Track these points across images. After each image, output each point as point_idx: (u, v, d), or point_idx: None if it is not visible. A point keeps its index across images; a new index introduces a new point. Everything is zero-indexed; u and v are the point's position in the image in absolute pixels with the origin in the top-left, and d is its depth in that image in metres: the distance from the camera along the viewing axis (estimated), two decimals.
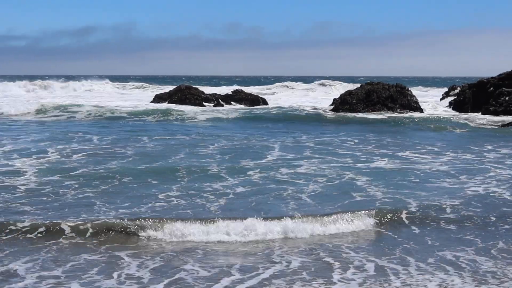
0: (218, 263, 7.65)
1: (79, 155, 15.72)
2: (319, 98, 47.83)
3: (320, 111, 32.20)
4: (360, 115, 30.97)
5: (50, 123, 25.37)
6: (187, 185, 12.05)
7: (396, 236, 9.05)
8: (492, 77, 32.93)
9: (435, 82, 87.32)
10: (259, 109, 34.00)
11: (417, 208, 10.40)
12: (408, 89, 36.43)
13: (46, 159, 14.90)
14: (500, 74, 32.56)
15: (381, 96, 36.16)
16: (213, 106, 38.34)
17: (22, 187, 11.51)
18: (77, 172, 13.08)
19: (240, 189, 11.76)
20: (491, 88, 32.43)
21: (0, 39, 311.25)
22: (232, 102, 40.93)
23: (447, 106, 35.41)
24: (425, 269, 7.55)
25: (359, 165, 14.80)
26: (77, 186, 11.71)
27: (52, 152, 15.93)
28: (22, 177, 12.39)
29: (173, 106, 35.64)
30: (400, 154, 16.92)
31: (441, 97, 37.62)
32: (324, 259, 7.86)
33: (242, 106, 38.76)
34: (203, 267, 7.46)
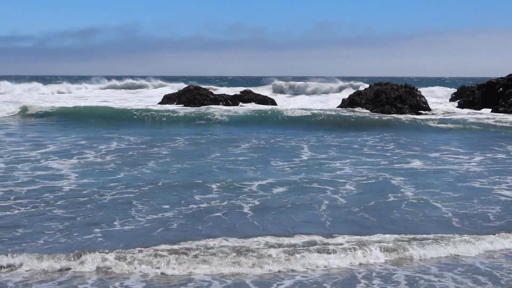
0: None
1: (117, 155, 15.93)
2: (324, 99, 48.11)
3: (332, 112, 32.38)
4: (372, 115, 31.09)
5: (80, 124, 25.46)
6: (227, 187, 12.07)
7: None
8: (501, 78, 33.30)
9: (437, 82, 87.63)
10: (273, 110, 34.02)
11: None
12: (417, 89, 36.67)
13: (84, 160, 15.06)
14: (510, 75, 32.93)
15: (390, 97, 36.41)
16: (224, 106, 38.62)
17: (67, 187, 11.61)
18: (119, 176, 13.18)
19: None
20: (501, 89, 32.81)
21: (5, 40, 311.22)
22: (240, 103, 41.13)
23: (456, 107, 35.73)
24: None
25: (397, 165, 15.01)
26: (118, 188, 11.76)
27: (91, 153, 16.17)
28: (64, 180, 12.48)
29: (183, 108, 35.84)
30: (431, 155, 17.14)
31: (450, 97, 37.97)
32: None
33: (251, 107, 38.93)
34: None
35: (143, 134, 21.35)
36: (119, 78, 74.24)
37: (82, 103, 35.55)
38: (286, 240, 8.38)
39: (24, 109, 28.90)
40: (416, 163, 15.35)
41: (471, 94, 34.88)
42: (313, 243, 8.28)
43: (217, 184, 12.17)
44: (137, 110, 29.60)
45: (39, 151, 16.36)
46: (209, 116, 28.27)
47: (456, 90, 37.65)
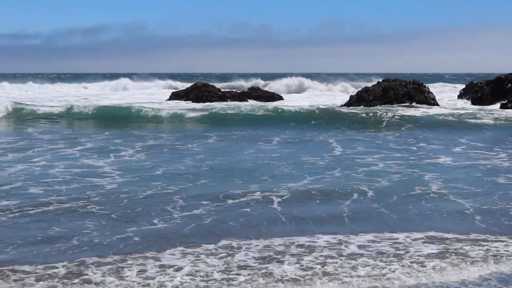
0: None
1: (153, 152, 16.31)
2: (331, 95, 48.54)
3: (345, 108, 32.75)
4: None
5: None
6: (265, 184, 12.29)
7: None
8: (510, 74, 33.79)
9: (441, 79, 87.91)
10: (285, 106, 34.26)
11: None
12: (425, 85, 37.11)
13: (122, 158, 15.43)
14: None
15: (398, 93, 36.83)
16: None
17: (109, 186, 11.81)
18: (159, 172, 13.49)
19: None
20: (509, 85, 33.30)
21: (14, 38, 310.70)
22: (248, 99, 41.47)
23: (465, 103, 36.20)
24: None
25: (427, 160, 15.44)
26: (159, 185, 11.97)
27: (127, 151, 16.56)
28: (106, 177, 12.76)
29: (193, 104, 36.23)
30: (457, 149, 17.60)
31: (458, 94, 38.44)
32: None
33: (261, 103, 39.23)
34: None
35: (172, 132, 21.81)
36: (129, 75, 74.79)
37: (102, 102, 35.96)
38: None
39: (69, 109, 28.61)
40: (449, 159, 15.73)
41: (480, 90, 35.32)
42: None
43: (256, 180, 12.47)
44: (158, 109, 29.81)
45: (75, 149, 16.71)
46: (230, 112, 28.49)
47: (464, 86, 38.08)
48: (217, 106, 32.16)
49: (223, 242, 8.18)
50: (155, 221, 9.25)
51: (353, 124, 24.52)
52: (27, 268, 7.08)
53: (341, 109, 31.83)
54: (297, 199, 10.80)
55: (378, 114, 26.05)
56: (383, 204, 10.50)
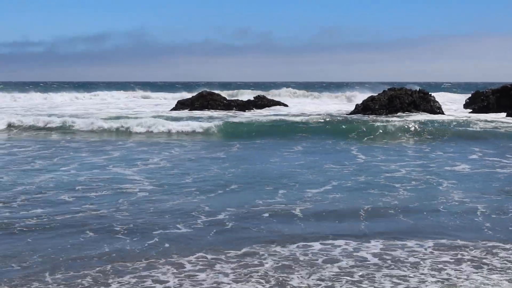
0: None
1: (179, 160, 16.68)
2: (334, 104, 49.00)
3: (354, 116, 33.13)
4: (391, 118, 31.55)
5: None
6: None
7: None
8: None
9: (443, 88, 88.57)
10: (296, 115, 34.61)
11: None
12: (431, 94, 37.43)
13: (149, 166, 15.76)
14: None
15: (404, 102, 37.15)
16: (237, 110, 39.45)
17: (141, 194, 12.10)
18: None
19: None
20: None
21: (17, 46, 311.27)
22: (254, 108, 41.82)
23: (470, 112, 36.54)
24: None
25: (448, 168, 15.83)
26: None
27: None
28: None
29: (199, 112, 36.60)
30: (474, 156, 18.03)
31: (464, 103, 38.82)
32: None
33: (272, 112, 39.56)
34: None
35: (195, 142, 22.28)
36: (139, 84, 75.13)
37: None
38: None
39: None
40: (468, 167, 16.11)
41: (486, 99, 35.71)
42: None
43: (283, 187, 12.84)
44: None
45: (102, 158, 17.05)
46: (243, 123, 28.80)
47: (470, 95, 38.51)
48: (234, 115, 32.60)
49: (246, 249, 8.38)
50: (179, 226, 9.59)
51: (368, 132, 24.82)
52: (60, 276, 7.22)
53: (353, 117, 32.28)
54: (320, 205, 11.15)
55: (390, 121, 26.45)
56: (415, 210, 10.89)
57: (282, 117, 30.14)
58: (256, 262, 7.79)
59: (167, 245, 8.55)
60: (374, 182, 13.46)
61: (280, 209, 10.81)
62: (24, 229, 9.21)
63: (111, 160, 16.58)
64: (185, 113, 36.85)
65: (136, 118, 28.76)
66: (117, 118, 29.31)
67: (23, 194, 11.64)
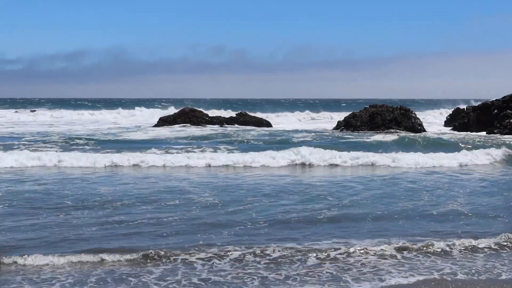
0: None
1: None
2: (314, 122, 49.46)
3: (338, 132, 33.51)
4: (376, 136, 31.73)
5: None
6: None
7: None
8: (496, 100, 34.90)
9: (415, 104, 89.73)
10: (278, 132, 34.78)
11: None
12: (412, 111, 37.94)
13: None
14: (504, 97, 34.54)
15: (385, 119, 37.56)
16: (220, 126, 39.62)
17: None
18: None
19: None
20: (496, 111, 34.39)
21: None
22: (236, 125, 41.91)
23: (451, 129, 37.17)
24: None
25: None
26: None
27: None
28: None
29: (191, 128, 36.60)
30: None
31: (445, 120, 39.42)
32: None
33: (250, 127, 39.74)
34: None
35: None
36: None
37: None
38: None
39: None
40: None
41: (466, 116, 36.36)
42: None
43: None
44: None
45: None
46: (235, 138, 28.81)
47: (451, 112, 39.30)
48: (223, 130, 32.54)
49: None
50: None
51: (367, 146, 25.06)
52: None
53: (340, 133, 32.68)
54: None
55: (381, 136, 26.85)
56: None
57: (280, 134, 30.18)
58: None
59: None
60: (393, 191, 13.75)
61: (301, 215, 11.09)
62: None
63: None
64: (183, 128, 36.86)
65: None
66: None
67: None
